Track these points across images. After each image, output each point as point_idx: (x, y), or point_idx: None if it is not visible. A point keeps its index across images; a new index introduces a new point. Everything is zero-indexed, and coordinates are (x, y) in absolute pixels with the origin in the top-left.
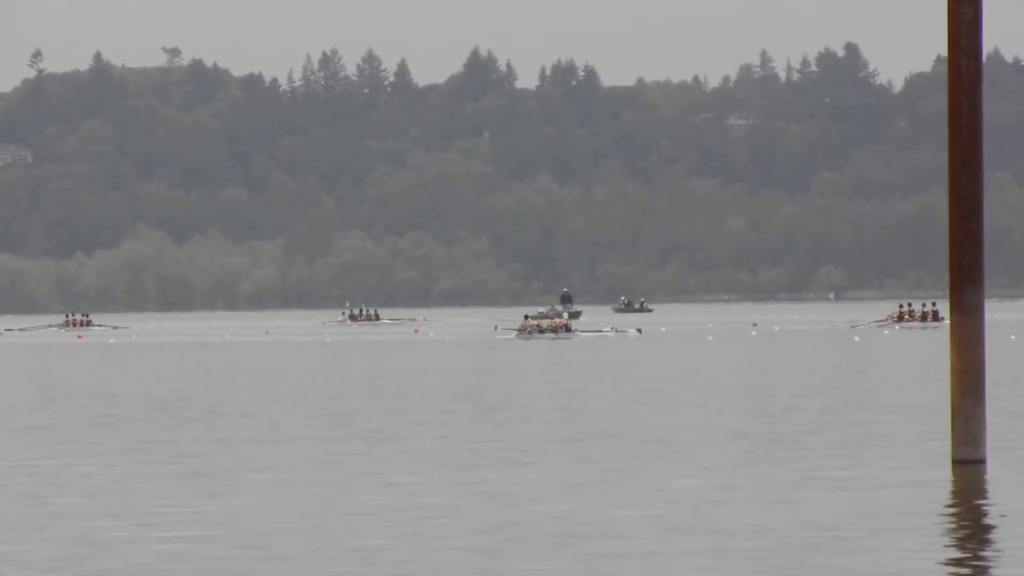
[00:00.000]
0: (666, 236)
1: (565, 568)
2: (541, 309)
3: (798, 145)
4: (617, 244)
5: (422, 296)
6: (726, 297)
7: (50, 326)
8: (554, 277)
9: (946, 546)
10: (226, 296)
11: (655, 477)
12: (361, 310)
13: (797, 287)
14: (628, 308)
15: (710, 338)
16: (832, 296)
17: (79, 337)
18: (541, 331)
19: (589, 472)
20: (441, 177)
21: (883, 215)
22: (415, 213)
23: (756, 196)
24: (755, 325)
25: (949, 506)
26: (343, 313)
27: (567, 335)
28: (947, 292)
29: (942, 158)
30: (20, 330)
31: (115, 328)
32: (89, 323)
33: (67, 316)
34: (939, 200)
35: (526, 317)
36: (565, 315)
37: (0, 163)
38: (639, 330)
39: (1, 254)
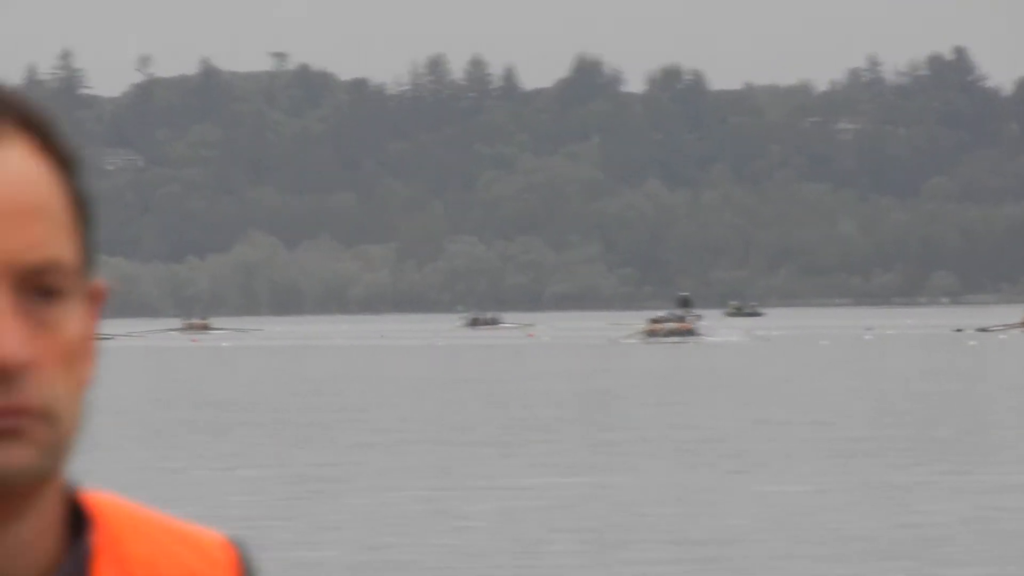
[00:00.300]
0: (777, 241)
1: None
2: (661, 313)
3: (907, 150)
4: (727, 249)
5: (533, 301)
6: (838, 301)
7: (169, 330)
8: (664, 282)
9: None
10: (337, 300)
11: (767, 481)
12: (479, 315)
13: (910, 292)
14: (739, 312)
15: (823, 342)
16: (946, 301)
17: (194, 341)
18: (667, 335)
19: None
20: (550, 182)
21: (994, 219)
22: (525, 218)
23: (866, 201)
24: (870, 330)
25: None
26: (462, 317)
27: (692, 339)
28: None
29: None
30: (139, 333)
31: (237, 331)
32: (207, 327)
33: (185, 320)
34: None
35: (652, 321)
36: (691, 320)
37: (111, 167)
38: (759, 335)
39: (113, 258)
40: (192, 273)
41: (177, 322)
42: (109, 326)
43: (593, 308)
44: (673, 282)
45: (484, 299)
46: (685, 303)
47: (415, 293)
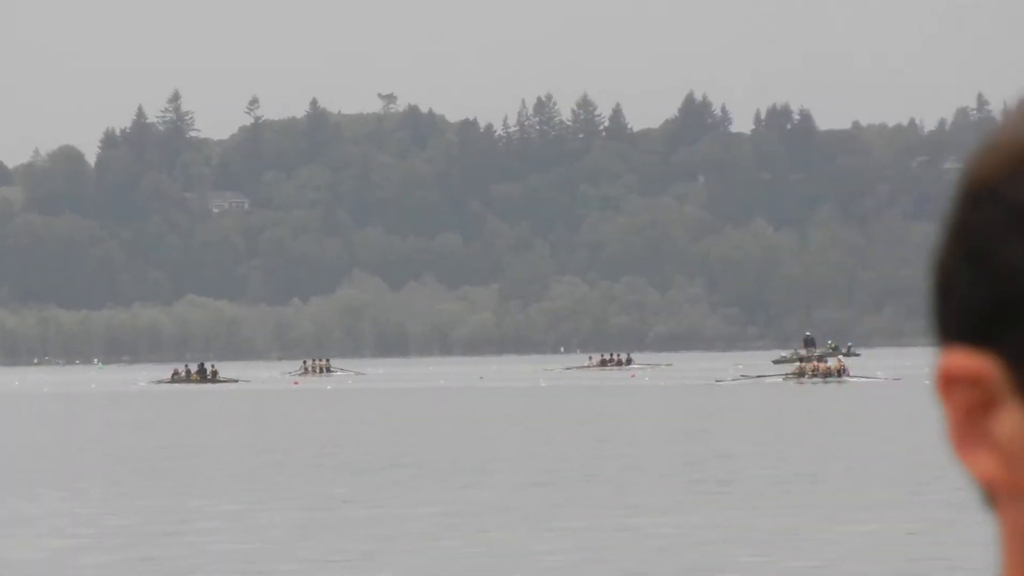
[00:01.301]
0: (882, 281)
1: None
2: (784, 353)
3: None
4: (832, 289)
5: (637, 341)
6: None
7: (288, 373)
8: (768, 322)
9: None
10: (441, 341)
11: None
12: (612, 355)
13: None
14: (835, 352)
15: (926, 382)
16: None
17: (295, 383)
18: (814, 375)
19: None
20: (656, 223)
21: None
22: (629, 258)
23: None
24: None
25: None
26: (590, 358)
27: (839, 380)
28: None
29: None
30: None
31: (357, 374)
32: (329, 369)
33: (305, 362)
34: None
35: (800, 360)
36: (838, 359)
37: (217, 210)
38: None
39: (218, 300)
40: (296, 315)
41: (297, 365)
42: (229, 370)
43: (696, 348)
44: (777, 323)
45: (588, 340)
46: (810, 343)
47: (520, 334)
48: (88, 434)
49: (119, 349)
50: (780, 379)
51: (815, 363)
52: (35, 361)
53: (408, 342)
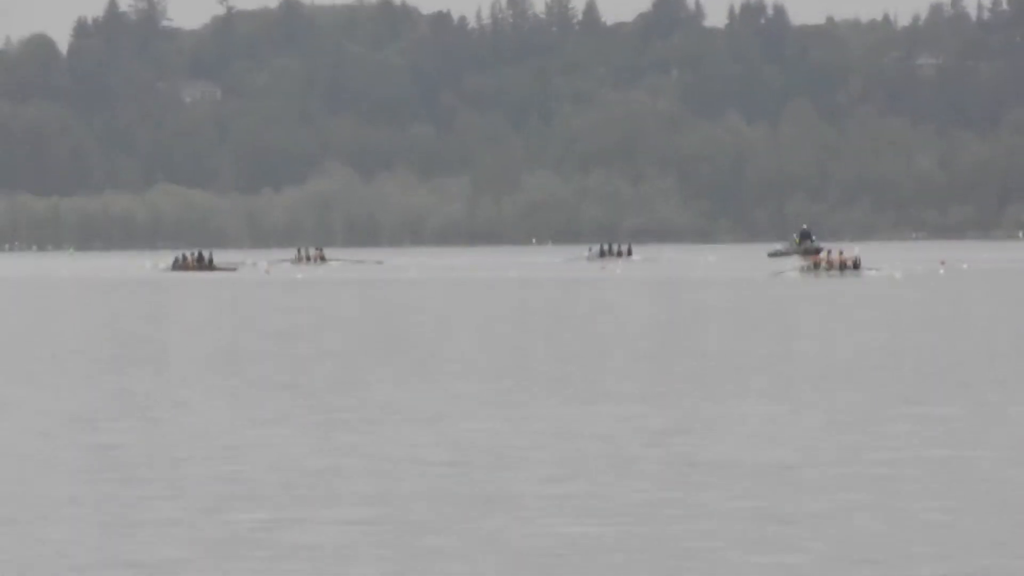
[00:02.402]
0: (854, 175)
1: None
2: (778, 246)
3: (988, 84)
4: (805, 183)
5: (608, 234)
6: (914, 235)
7: (282, 260)
8: (741, 215)
9: None
10: (412, 233)
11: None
12: (611, 246)
13: (986, 226)
14: (800, 247)
15: (897, 275)
16: (1021, 235)
17: (266, 272)
18: (828, 268)
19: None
20: (628, 116)
21: None
22: (602, 152)
23: (945, 135)
24: (943, 263)
25: None
26: (590, 249)
27: (854, 272)
28: None
29: None
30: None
31: (355, 262)
32: (323, 258)
33: (299, 250)
34: None
35: (816, 252)
36: (855, 251)
37: (189, 99)
38: (943, 262)
39: (191, 189)
40: (267, 205)
41: (291, 252)
42: (226, 256)
43: (667, 241)
44: (749, 216)
45: (560, 233)
46: (806, 236)
47: (491, 227)
48: (200, 320)
49: (91, 236)
50: (797, 273)
51: (829, 256)
52: (6, 247)
53: (379, 233)
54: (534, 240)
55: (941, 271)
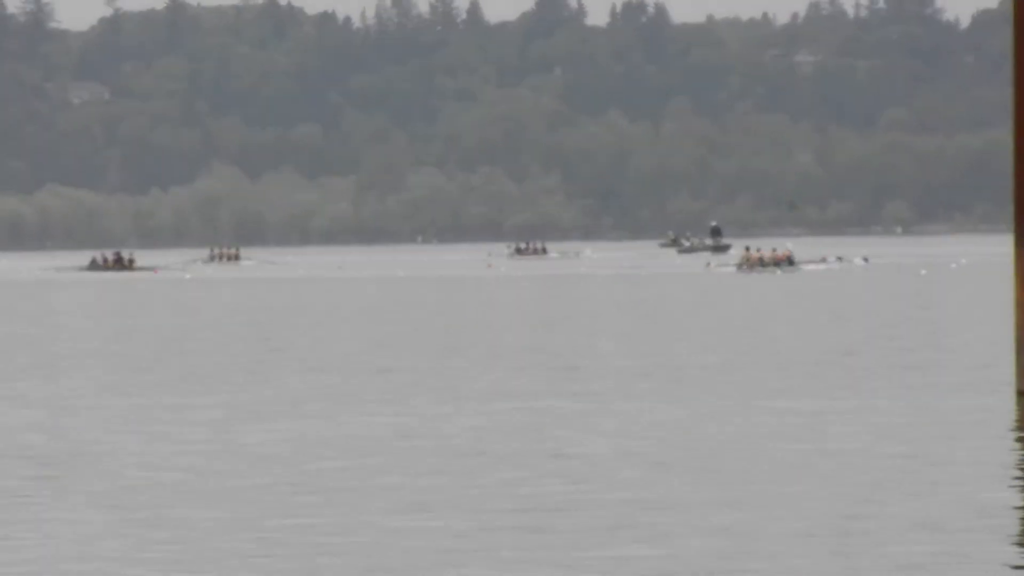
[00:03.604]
0: (734, 171)
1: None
2: (686, 243)
3: (865, 82)
4: (686, 180)
5: (494, 231)
6: (794, 231)
7: (195, 260)
8: (623, 212)
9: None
10: (300, 231)
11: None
12: (528, 244)
13: (864, 222)
14: (674, 244)
15: (778, 272)
16: (900, 230)
17: (154, 273)
18: (764, 264)
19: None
20: (512, 114)
21: (949, 150)
22: (486, 149)
23: (823, 132)
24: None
25: (1013, 430)
26: (507, 247)
27: (791, 268)
28: (1012, 226)
29: (1009, 93)
30: (174, 266)
31: (267, 262)
32: (237, 257)
33: (212, 249)
34: (1006, 135)
35: (747, 249)
36: (787, 246)
37: (77, 100)
38: (866, 259)
39: (79, 190)
40: (155, 205)
41: (204, 252)
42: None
43: (552, 238)
44: (632, 213)
45: (446, 230)
46: (716, 232)
47: (377, 224)
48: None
49: None
50: (734, 268)
51: (761, 252)
52: None
53: (266, 232)
54: (419, 238)
55: (862, 263)
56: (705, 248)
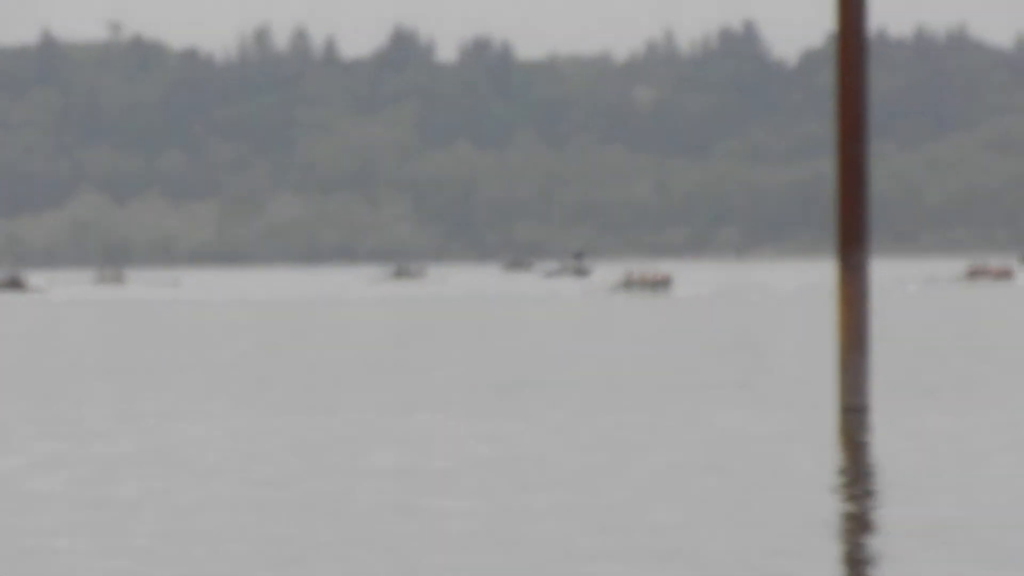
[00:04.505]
0: (577, 199)
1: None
2: (553, 265)
3: (700, 116)
4: (531, 207)
5: (349, 255)
6: (634, 256)
7: (79, 282)
8: (472, 238)
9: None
10: (165, 255)
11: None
12: (406, 267)
13: (700, 246)
14: (517, 266)
15: (620, 297)
16: (734, 255)
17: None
18: (641, 285)
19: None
20: (366, 144)
21: (778, 180)
22: (341, 177)
23: (661, 163)
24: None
25: (834, 444)
26: (387, 271)
27: (666, 290)
28: (836, 252)
29: (832, 127)
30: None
31: (167, 286)
32: (121, 278)
33: (100, 270)
34: (830, 167)
35: (586, 273)
36: (665, 270)
37: None
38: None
39: None
40: (27, 229)
41: (90, 274)
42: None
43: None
44: (480, 238)
45: (302, 255)
46: (579, 256)
47: (239, 248)
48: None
49: None
50: (612, 290)
51: (642, 273)
52: None
53: (134, 255)
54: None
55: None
56: (568, 272)
